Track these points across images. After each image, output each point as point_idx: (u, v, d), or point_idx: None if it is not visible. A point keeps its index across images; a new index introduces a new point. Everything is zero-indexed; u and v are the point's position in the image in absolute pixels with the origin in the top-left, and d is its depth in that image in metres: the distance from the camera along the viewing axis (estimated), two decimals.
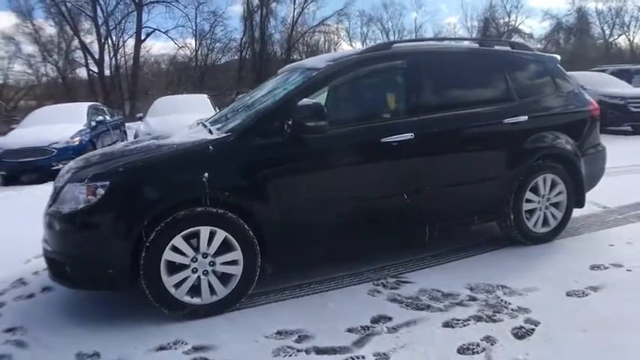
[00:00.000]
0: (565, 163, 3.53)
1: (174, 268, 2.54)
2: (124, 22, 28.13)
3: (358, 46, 35.28)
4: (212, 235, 2.55)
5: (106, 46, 27.80)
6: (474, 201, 3.27)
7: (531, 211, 3.47)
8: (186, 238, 2.53)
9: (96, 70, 28.16)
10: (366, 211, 2.93)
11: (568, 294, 2.72)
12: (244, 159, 2.63)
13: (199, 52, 31.41)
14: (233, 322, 2.53)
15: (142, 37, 28.31)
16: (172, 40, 29.82)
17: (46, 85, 28.80)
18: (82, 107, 8.72)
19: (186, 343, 2.35)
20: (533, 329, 2.35)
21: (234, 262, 2.62)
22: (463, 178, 3.17)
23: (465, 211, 3.28)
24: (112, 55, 28.35)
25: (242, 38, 31.54)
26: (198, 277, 2.57)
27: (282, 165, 2.70)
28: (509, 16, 33.29)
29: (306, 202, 2.75)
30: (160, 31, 28.79)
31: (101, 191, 2.42)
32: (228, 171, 2.58)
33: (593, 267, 3.08)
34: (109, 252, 2.42)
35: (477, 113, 3.21)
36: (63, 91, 27.22)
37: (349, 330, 2.41)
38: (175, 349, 2.31)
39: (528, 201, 3.43)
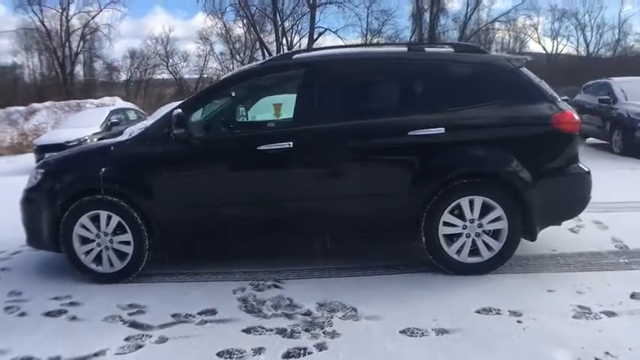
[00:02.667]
0: (504, 185, 3.03)
1: (85, 240, 3.28)
2: (298, 23, 31.20)
3: (547, 43, 31.66)
4: (109, 218, 3.21)
5: (282, 45, 31.35)
6: (371, 217, 3.14)
7: (455, 237, 3.12)
8: (94, 219, 3.25)
9: None
10: (245, 215, 3.17)
11: (403, 331, 2.49)
12: (134, 159, 3.19)
13: None
14: (114, 291, 3.15)
15: (315, 37, 30.85)
16: (341, 38, 31.68)
17: None
18: None
19: (71, 297, 3.07)
20: (310, 353, 2.32)
21: (127, 243, 3.23)
22: (354, 191, 3.09)
23: (362, 226, 3.18)
24: None
25: (411, 37, 31.42)
26: (101, 250, 3.27)
27: (164, 166, 3.17)
28: None
29: (186, 201, 3.17)
30: (330, 30, 30.92)
31: (39, 177, 3.31)
32: (120, 168, 3.18)
33: (482, 310, 2.68)
34: (40, 222, 3.30)
35: (371, 124, 3.06)
36: None
37: (173, 315, 2.76)
38: (62, 300, 3.05)
39: (448, 224, 3.09)
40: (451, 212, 3.08)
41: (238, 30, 32.53)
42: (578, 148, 3.21)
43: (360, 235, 3.21)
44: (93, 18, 39.77)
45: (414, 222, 3.10)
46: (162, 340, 2.50)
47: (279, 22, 31.00)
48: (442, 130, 3.01)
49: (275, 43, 31.33)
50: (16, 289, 3.27)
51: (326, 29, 30.55)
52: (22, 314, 2.89)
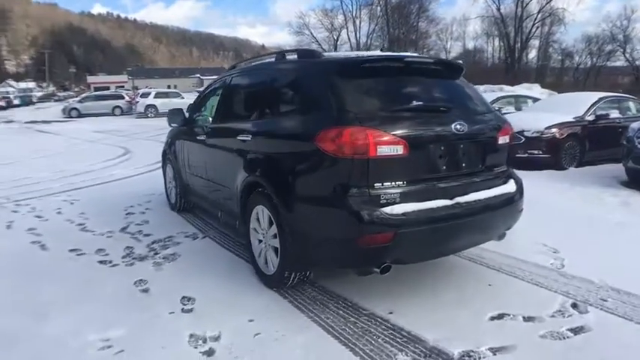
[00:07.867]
0: (273, 201, 3.11)
1: (169, 181, 5.72)
2: None
3: None
4: (171, 170, 5.52)
5: None
6: (229, 205, 3.89)
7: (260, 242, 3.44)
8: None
9: None
10: (195, 183, 4.69)
11: (136, 282, 3.52)
12: (172, 134, 5.33)
13: None
14: (161, 214, 5.44)
15: None
16: None
17: None
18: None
19: (149, 210, 5.63)
20: (115, 266, 3.85)
21: (176, 188, 5.44)
22: (217, 180, 4.05)
23: (227, 210, 3.97)
24: None
25: None
26: (170, 189, 5.63)
27: (180, 142, 5.10)
28: None
29: (179, 166, 5.06)
30: None
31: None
32: (170, 139, 5.40)
33: (184, 297, 3.22)
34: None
35: (227, 127, 3.87)
36: None
37: (143, 233, 4.75)
38: (140, 211, 5.66)
39: (255, 230, 3.46)
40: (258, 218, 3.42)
41: None
42: (352, 174, 2.66)
43: (231, 221, 3.98)
44: (549, 2, 41.00)
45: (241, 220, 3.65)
46: (108, 237, 4.63)
47: None
48: (250, 137, 3.42)
49: None
50: (144, 205, 6.12)
51: None
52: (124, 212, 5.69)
